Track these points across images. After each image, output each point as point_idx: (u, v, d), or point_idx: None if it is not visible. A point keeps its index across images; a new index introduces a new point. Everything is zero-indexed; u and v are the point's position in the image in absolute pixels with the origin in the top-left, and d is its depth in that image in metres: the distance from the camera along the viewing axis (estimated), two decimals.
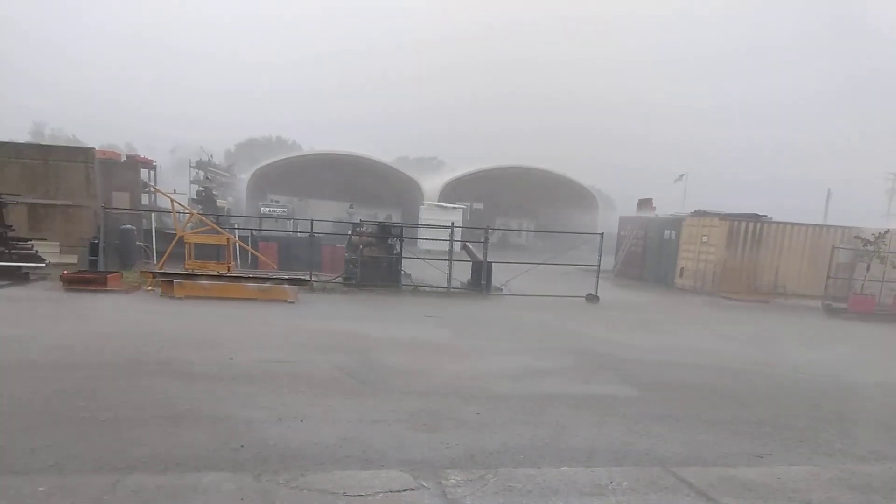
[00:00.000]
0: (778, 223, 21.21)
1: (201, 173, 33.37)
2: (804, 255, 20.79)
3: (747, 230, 20.85)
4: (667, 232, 23.97)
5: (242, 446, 4.91)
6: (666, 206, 28.41)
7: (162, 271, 13.45)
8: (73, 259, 15.58)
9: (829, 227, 21.69)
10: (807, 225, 21.39)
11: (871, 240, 17.55)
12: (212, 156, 37.29)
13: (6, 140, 18.42)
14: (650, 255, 24.98)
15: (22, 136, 53.03)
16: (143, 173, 23.23)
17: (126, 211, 18.62)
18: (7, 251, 13.66)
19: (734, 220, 20.99)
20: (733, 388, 8.01)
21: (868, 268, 17.46)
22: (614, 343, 10.68)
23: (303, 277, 14.47)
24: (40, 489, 4.00)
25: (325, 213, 33.57)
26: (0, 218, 13.91)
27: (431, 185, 44.22)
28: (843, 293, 18.19)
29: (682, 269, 22.57)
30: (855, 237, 18.62)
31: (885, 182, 54.56)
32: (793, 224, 21.20)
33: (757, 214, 21.62)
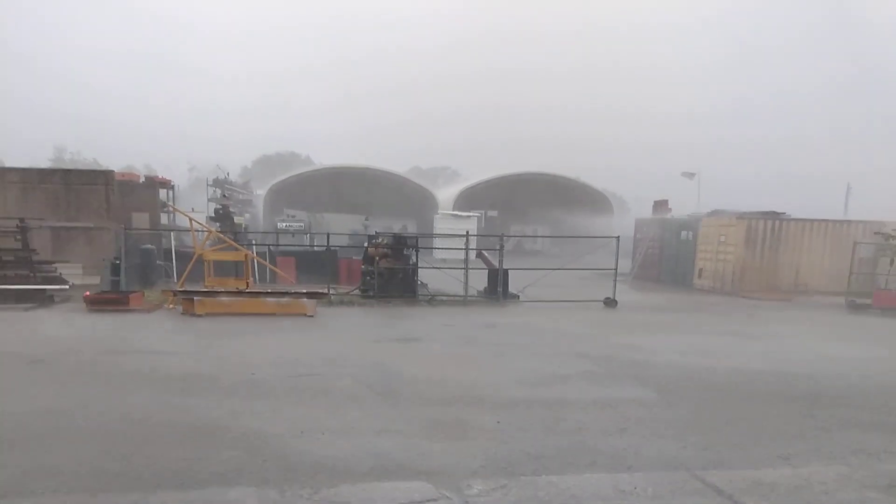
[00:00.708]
0: (797, 220, 20.92)
1: (218, 191, 33.77)
2: (825, 251, 20.46)
3: (766, 228, 20.59)
4: (684, 233, 23.76)
5: (265, 461, 4.95)
6: (682, 207, 28.18)
7: (182, 289, 13.62)
8: (96, 280, 15.86)
9: (849, 222, 21.34)
10: (827, 221, 21.07)
11: (894, 234, 17.25)
12: (228, 173, 37.74)
13: (29, 166, 18.86)
14: (667, 257, 24.77)
15: (43, 162, 54.13)
16: (162, 193, 23.58)
17: (146, 231, 18.92)
18: (32, 274, 13.95)
19: (752, 219, 20.76)
20: (756, 389, 7.90)
21: (892, 262, 17.15)
22: (634, 347, 10.59)
23: (321, 291, 14.58)
24: None
25: (341, 227, 33.75)
26: (24, 242, 14.22)
27: (445, 194, 44.39)
28: (866, 289, 17.87)
29: (700, 269, 22.34)
30: (875, 233, 18.30)
31: None
32: (812, 220, 20.88)
33: (775, 212, 21.36)
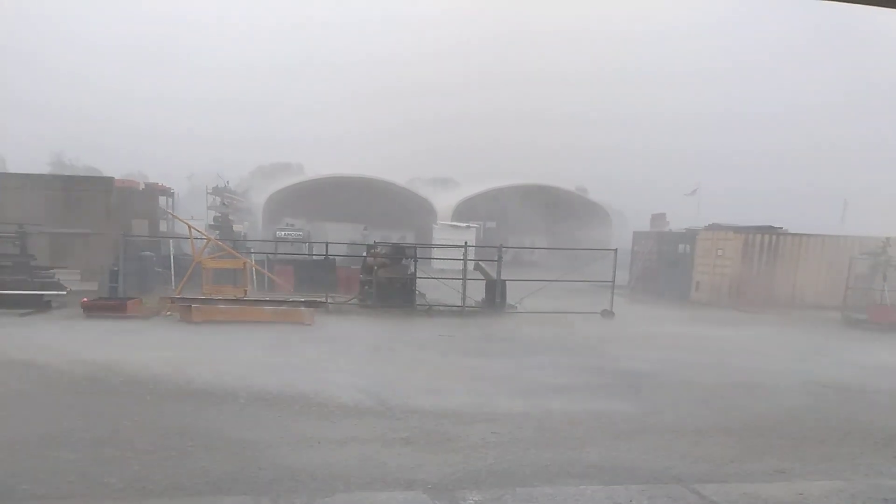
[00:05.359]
0: (793, 235, 21.02)
1: (218, 199, 33.79)
2: (821, 266, 20.54)
3: (763, 243, 20.68)
4: (681, 246, 23.83)
5: (261, 469, 4.95)
6: (679, 221, 28.21)
7: (180, 296, 13.62)
8: (94, 286, 15.83)
9: (845, 237, 21.43)
10: (823, 236, 21.16)
11: (878, 250, 17.34)
12: (228, 182, 37.78)
13: (28, 172, 18.91)
14: (665, 270, 24.79)
15: (41, 166, 54.00)
16: (162, 200, 23.61)
17: (145, 238, 18.92)
18: (30, 279, 13.93)
19: (749, 233, 20.84)
20: (751, 404, 7.91)
21: (884, 277, 17.19)
22: (630, 358, 10.59)
23: (318, 300, 14.57)
24: None
25: (340, 236, 33.78)
26: (23, 247, 14.22)
27: (444, 204, 44.43)
28: (862, 303, 17.89)
29: (697, 282, 22.38)
30: (861, 253, 18.41)
31: None
32: (808, 235, 20.99)
33: (772, 226, 21.46)
